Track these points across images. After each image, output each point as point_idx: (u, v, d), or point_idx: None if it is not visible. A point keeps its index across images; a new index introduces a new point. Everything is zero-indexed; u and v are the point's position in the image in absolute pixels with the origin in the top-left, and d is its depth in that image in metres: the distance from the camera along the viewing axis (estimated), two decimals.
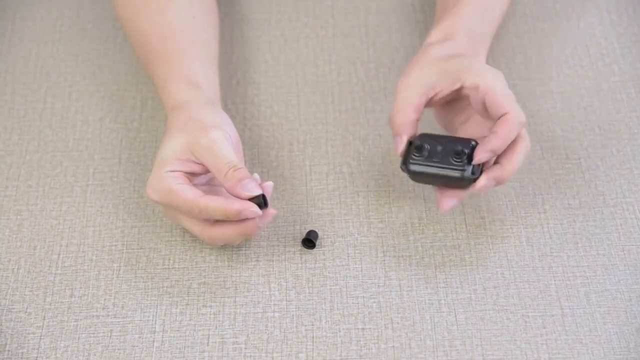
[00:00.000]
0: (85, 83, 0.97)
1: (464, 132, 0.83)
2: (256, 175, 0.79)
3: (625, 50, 0.98)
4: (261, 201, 0.77)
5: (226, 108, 0.92)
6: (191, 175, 0.79)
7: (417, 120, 0.80)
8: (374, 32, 1.00)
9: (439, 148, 0.79)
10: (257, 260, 0.83)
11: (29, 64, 0.99)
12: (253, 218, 0.77)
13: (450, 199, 0.80)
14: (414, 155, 0.79)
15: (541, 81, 0.95)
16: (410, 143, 0.80)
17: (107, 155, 0.91)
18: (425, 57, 0.82)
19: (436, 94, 0.80)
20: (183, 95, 0.83)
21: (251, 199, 0.77)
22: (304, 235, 0.83)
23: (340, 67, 0.97)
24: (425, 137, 0.80)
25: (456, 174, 0.78)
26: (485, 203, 0.86)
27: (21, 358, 0.78)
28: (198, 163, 0.79)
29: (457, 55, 0.82)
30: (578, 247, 0.83)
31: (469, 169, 0.78)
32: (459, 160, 0.78)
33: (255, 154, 0.90)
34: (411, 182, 0.87)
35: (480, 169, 0.79)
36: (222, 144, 0.78)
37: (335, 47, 0.99)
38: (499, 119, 0.78)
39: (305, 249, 0.83)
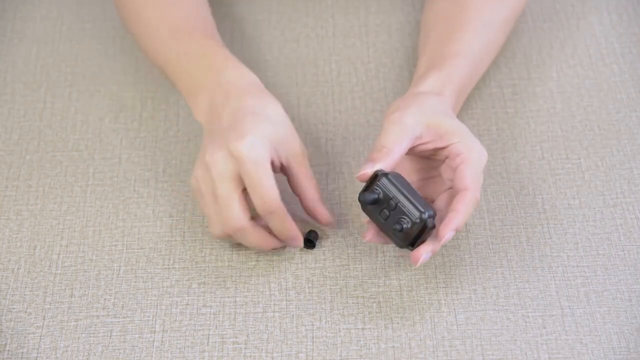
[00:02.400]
0: (85, 83, 0.97)
1: (421, 188, 0.81)
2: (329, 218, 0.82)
3: (625, 50, 0.98)
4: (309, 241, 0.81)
5: None
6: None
7: (397, 161, 0.77)
8: (374, 32, 1.01)
9: (397, 200, 0.75)
10: (257, 260, 0.83)
11: (29, 64, 0.99)
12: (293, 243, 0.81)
13: (424, 253, 0.76)
14: (369, 197, 0.76)
15: (541, 81, 0.95)
16: (375, 176, 0.77)
17: (107, 155, 0.91)
18: (419, 105, 0.80)
19: (420, 145, 0.79)
20: (231, 62, 0.85)
21: (365, 196, 0.76)
22: (304, 235, 0.83)
23: (340, 67, 0.97)
24: (388, 181, 0.76)
25: (397, 237, 0.76)
26: (485, 203, 0.86)
27: (21, 358, 0.78)
28: (278, 162, 0.80)
29: (447, 114, 0.80)
30: (578, 247, 0.83)
31: (401, 242, 0.77)
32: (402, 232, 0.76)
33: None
34: None
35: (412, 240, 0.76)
36: (262, 177, 0.77)
37: (335, 47, 0.99)
38: (458, 193, 0.76)
39: (305, 249, 0.83)
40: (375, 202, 0.76)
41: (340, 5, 1.03)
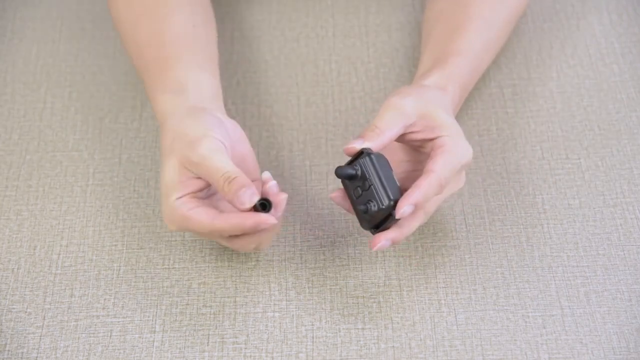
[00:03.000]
0: (85, 83, 0.97)
1: (409, 179, 0.81)
2: (266, 174, 0.78)
3: (625, 50, 0.98)
4: (263, 206, 0.75)
5: (226, 108, 0.92)
6: (200, 192, 0.78)
7: (386, 144, 0.77)
8: (374, 32, 1.01)
9: (371, 181, 0.75)
10: (257, 260, 0.83)
11: (29, 64, 0.99)
12: (270, 228, 0.76)
13: (383, 240, 0.76)
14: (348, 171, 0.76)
15: (541, 81, 0.95)
16: (361, 153, 0.77)
17: (107, 155, 0.91)
18: (419, 94, 0.80)
19: (410, 133, 0.78)
20: (167, 107, 0.82)
21: (258, 207, 0.75)
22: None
23: (340, 67, 0.97)
24: (370, 161, 0.76)
25: (361, 217, 0.77)
26: (485, 203, 0.86)
27: (21, 358, 0.78)
28: (197, 179, 0.77)
29: (445, 109, 0.80)
30: (578, 247, 0.83)
31: (366, 224, 0.77)
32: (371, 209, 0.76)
33: (255, 154, 0.90)
34: None
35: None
36: (212, 155, 0.76)
37: (335, 47, 0.99)
38: (424, 173, 0.76)
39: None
40: (351, 177, 0.76)
41: (340, 5, 1.03)
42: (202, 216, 0.76)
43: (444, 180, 0.76)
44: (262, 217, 0.75)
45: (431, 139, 0.78)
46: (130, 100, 0.95)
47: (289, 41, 1.00)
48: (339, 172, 0.76)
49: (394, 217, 0.75)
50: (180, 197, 0.77)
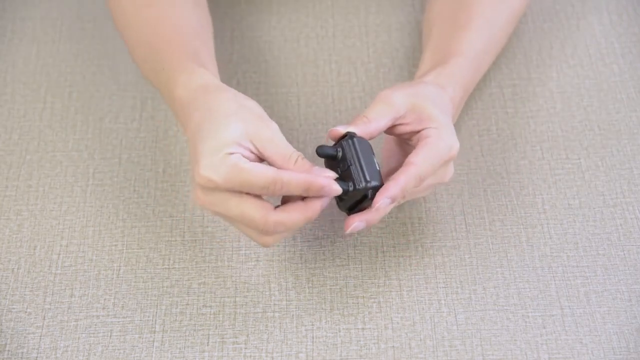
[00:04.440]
0: (85, 83, 0.97)
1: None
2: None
3: (625, 50, 0.98)
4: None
5: None
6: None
7: (372, 134, 0.78)
8: (374, 32, 1.01)
9: (351, 162, 0.76)
10: (257, 260, 0.83)
11: (29, 64, 0.99)
12: (319, 201, 0.75)
13: (357, 221, 0.76)
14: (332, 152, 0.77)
15: (541, 81, 0.95)
16: (345, 136, 0.77)
17: (107, 155, 0.91)
18: (412, 88, 0.80)
19: (400, 125, 0.79)
20: (210, 77, 0.80)
21: (324, 148, 0.76)
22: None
23: (340, 67, 0.97)
24: (352, 143, 0.76)
25: (337, 200, 0.77)
26: (485, 203, 0.86)
27: (21, 358, 0.78)
28: (253, 153, 0.75)
29: (437, 103, 0.80)
30: (578, 247, 0.83)
31: (347, 204, 0.77)
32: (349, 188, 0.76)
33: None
34: None
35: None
36: (282, 135, 0.76)
37: (335, 47, 0.99)
38: (404, 165, 0.76)
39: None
40: (331, 157, 0.76)
41: (340, 5, 1.03)
42: (265, 169, 0.73)
43: (424, 174, 0.76)
44: (330, 181, 0.74)
45: (418, 131, 0.78)
46: (130, 100, 0.95)
47: (289, 41, 1.00)
48: (319, 151, 0.76)
49: (369, 199, 0.75)
50: (235, 154, 0.73)
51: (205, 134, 0.75)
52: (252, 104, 0.77)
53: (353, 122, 0.77)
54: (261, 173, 0.73)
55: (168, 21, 0.87)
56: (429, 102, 0.78)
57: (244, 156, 0.74)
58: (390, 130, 0.79)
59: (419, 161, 0.76)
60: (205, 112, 0.76)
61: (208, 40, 0.88)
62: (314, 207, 0.75)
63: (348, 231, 0.75)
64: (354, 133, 0.76)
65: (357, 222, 0.75)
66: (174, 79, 0.81)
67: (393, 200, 0.75)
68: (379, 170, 0.76)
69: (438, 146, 0.77)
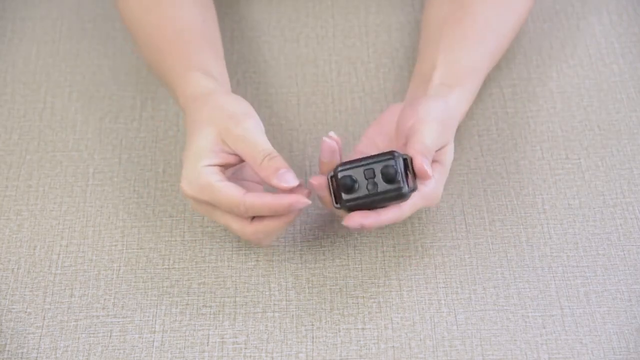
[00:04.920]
0: (85, 83, 0.97)
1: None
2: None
3: (625, 50, 0.98)
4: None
5: None
6: (224, 168, 0.78)
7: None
8: (374, 32, 1.01)
9: (365, 174, 0.75)
10: (257, 260, 0.83)
11: (29, 64, 0.99)
12: (303, 207, 0.76)
13: (360, 220, 0.76)
14: (345, 194, 0.75)
15: (541, 81, 0.95)
16: (332, 178, 0.76)
17: (107, 155, 0.91)
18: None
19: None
20: (204, 84, 0.82)
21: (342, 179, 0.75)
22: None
23: (340, 67, 0.97)
24: (346, 169, 0.75)
25: (395, 195, 0.75)
26: (485, 203, 0.86)
27: (21, 358, 0.78)
28: (231, 154, 0.77)
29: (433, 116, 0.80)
30: (578, 247, 0.83)
31: (405, 186, 0.75)
32: (392, 181, 0.75)
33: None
34: None
35: (413, 184, 0.76)
36: (256, 132, 0.76)
37: (335, 47, 0.99)
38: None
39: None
40: (352, 186, 0.75)
41: (340, 5, 1.03)
42: (232, 190, 0.75)
43: (404, 216, 0.77)
44: (298, 197, 0.75)
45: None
46: (130, 100, 0.95)
47: (289, 41, 1.00)
48: (346, 202, 0.76)
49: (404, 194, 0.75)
50: (210, 166, 0.76)
51: (187, 145, 0.78)
52: (225, 103, 0.79)
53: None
54: (227, 195, 0.75)
55: (172, 23, 0.88)
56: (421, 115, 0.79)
57: (223, 163, 0.77)
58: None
59: (406, 210, 0.77)
60: (190, 122, 0.80)
61: (214, 40, 0.88)
62: (290, 216, 0.77)
63: (348, 224, 0.75)
64: (335, 170, 0.76)
65: (359, 220, 0.76)
66: (175, 87, 0.85)
67: (364, 228, 0.75)
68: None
69: (435, 137, 0.77)
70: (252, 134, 0.76)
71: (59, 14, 1.04)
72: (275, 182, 0.75)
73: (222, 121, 0.77)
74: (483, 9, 0.89)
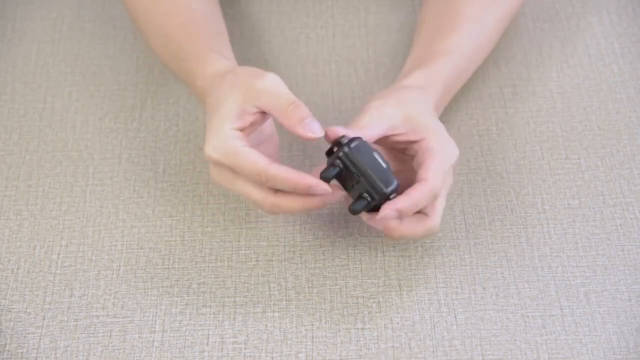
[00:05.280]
0: (85, 83, 0.97)
1: None
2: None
3: (625, 50, 0.98)
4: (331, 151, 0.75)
5: None
6: (248, 133, 0.77)
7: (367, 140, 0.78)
8: (374, 32, 1.01)
9: (359, 174, 0.75)
10: (257, 260, 0.83)
11: (29, 64, 0.99)
12: (322, 195, 0.75)
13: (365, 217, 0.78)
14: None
15: (541, 81, 0.95)
16: (339, 144, 0.76)
17: (107, 155, 0.91)
18: (399, 98, 0.80)
19: (394, 136, 0.79)
20: (225, 63, 0.82)
21: (327, 172, 0.75)
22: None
23: (340, 67, 0.97)
24: (350, 152, 0.75)
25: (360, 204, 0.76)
26: (485, 203, 0.86)
27: (21, 358, 0.78)
28: (255, 113, 0.76)
29: (426, 109, 0.80)
30: (578, 247, 0.83)
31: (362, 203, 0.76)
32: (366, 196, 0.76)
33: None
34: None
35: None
36: (279, 83, 0.76)
37: (335, 47, 0.99)
38: (417, 182, 0.76)
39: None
40: (339, 175, 0.76)
41: (340, 5, 1.03)
42: (258, 158, 0.74)
43: (437, 189, 0.76)
44: (321, 182, 0.74)
45: (415, 141, 0.78)
46: (130, 100, 0.95)
47: (289, 41, 1.00)
48: (324, 176, 0.76)
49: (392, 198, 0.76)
50: (235, 130, 0.76)
51: (211, 115, 0.78)
52: (247, 69, 0.79)
53: (348, 126, 0.78)
54: (252, 161, 0.74)
55: (183, 12, 0.89)
56: (421, 111, 0.79)
57: (246, 125, 0.76)
58: (383, 141, 0.79)
59: (431, 177, 0.76)
60: (213, 97, 0.79)
61: (222, 30, 0.90)
62: (314, 202, 0.76)
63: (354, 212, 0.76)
64: (347, 138, 0.76)
65: (365, 217, 0.77)
66: (194, 70, 0.84)
67: (400, 214, 0.75)
68: (388, 168, 0.76)
69: (444, 156, 0.77)
70: (275, 84, 0.76)
71: (59, 14, 1.04)
72: (300, 131, 0.74)
73: (245, 80, 0.77)
74: (467, 3, 0.89)
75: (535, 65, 0.97)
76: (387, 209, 0.75)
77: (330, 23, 1.02)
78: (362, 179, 0.75)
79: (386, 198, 0.75)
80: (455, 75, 0.86)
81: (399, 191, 0.77)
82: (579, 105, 0.93)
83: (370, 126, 0.77)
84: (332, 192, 0.76)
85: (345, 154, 0.75)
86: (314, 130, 0.75)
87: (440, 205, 0.78)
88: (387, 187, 0.75)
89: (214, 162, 0.76)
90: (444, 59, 0.85)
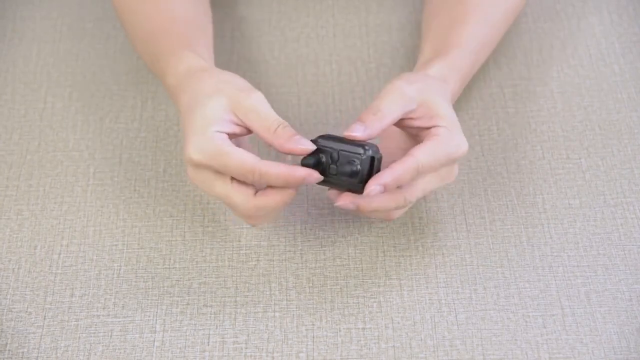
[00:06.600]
0: (85, 83, 0.97)
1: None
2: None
3: (626, 50, 0.98)
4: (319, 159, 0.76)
5: None
6: (234, 139, 0.78)
7: (385, 129, 0.77)
8: (374, 32, 1.01)
9: (337, 151, 0.76)
10: (258, 260, 0.83)
11: (29, 64, 0.99)
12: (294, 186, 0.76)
13: (349, 201, 0.77)
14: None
15: (541, 81, 0.95)
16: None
17: (107, 155, 0.91)
18: (424, 82, 0.80)
19: (409, 119, 0.79)
20: (198, 62, 0.83)
21: (307, 159, 0.76)
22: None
23: (341, 67, 0.97)
24: (322, 139, 0.77)
25: (349, 186, 0.76)
26: (486, 203, 0.86)
27: (22, 357, 0.78)
28: (239, 125, 0.77)
29: (447, 100, 0.80)
30: (578, 247, 0.83)
31: (360, 186, 0.76)
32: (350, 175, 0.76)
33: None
34: None
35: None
36: (266, 104, 0.77)
37: (336, 47, 0.99)
38: (404, 156, 0.76)
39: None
40: (318, 161, 0.76)
41: (341, 5, 1.03)
42: (247, 155, 0.75)
43: (423, 168, 0.75)
44: (311, 171, 0.75)
45: (427, 128, 0.78)
46: (130, 100, 0.95)
47: (289, 41, 1.00)
48: (304, 163, 0.76)
49: (377, 158, 0.75)
50: (221, 132, 0.76)
51: (191, 115, 0.77)
52: (231, 78, 0.79)
53: (366, 119, 0.76)
54: (241, 161, 0.75)
55: (167, 12, 0.89)
56: (439, 99, 0.79)
57: (230, 132, 0.76)
58: (398, 123, 0.79)
59: (421, 155, 0.75)
60: (190, 94, 0.79)
61: (205, 28, 0.89)
62: (290, 191, 0.76)
63: (337, 204, 0.76)
64: (321, 136, 0.77)
65: (349, 201, 0.76)
66: (166, 67, 0.84)
67: (385, 188, 0.74)
68: (369, 148, 0.76)
69: (447, 144, 0.77)
70: (263, 105, 0.77)
71: (59, 14, 1.04)
72: (292, 146, 0.75)
73: (233, 93, 0.77)
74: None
75: (536, 65, 0.97)
76: (373, 184, 0.74)
77: (331, 23, 1.02)
78: (341, 152, 0.75)
79: (371, 160, 0.75)
80: (468, 67, 0.86)
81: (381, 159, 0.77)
82: (579, 105, 0.93)
83: (389, 112, 0.77)
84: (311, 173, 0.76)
85: (318, 137, 0.76)
86: (305, 144, 0.75)
87: (420, 185, 0.77)
88: (369, 147, 0.75)
89: (196, 164, 0.76)
90: (458, 51, 0.86)
